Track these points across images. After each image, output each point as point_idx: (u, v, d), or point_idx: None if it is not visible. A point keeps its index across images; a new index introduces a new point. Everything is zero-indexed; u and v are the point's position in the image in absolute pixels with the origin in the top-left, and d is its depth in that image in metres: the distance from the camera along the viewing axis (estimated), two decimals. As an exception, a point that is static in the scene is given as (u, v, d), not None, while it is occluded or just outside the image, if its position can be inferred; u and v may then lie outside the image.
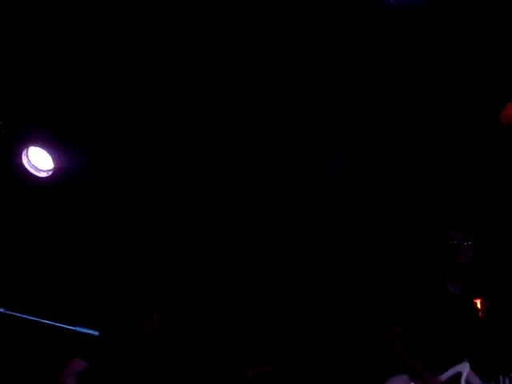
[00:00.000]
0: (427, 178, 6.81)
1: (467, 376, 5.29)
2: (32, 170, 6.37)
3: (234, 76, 5.90)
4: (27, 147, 6.30)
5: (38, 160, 6.35)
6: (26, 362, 6.94)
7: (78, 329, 3.73)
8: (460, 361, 5.34)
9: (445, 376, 5.33)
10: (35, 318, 3.76)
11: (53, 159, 6.33)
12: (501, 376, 5.21)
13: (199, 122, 6.35)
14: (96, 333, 3.78)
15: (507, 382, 5.18)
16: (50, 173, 6.38)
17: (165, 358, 6.71)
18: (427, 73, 5.93)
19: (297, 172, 6.86)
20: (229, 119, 6.32)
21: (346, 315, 7.59)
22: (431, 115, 6.31)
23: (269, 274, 7.64)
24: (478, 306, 6.69)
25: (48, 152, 6.29)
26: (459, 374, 5.27)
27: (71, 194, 6.82)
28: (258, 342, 7.46)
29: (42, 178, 6.40)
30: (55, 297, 7.09)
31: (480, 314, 6.28)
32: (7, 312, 3.72)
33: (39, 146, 6.26)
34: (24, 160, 6.34)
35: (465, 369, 5.29)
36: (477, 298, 6.59)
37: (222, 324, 7.64)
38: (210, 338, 7.62)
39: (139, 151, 6.60)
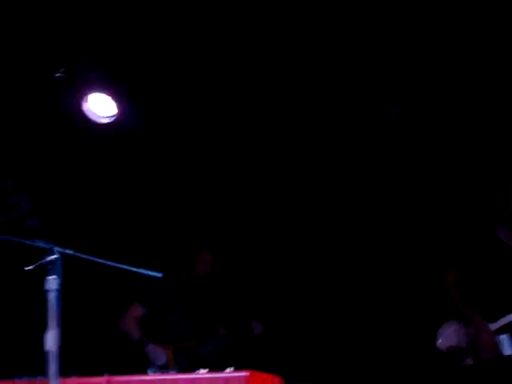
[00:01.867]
0: (484, 129, 6.77)
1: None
2: (93, 117, 6.47)
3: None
4: (88, 94, 6.40)
5: (100, 107, 6.46)
6: (92, 302, 7.14)
7: (141, 271, 3.86)
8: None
9: (497, 324, 5.38)
10: (102, 260, 3.91)
11: (115, 105, 6.44)
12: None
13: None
14: (159, 274, 3.92)
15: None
16: (112, 119, 6.48)
17: (218, 297, 6.85)
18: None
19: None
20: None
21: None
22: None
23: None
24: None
25: (110, 98, 6.39)
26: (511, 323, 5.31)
27: (131, 141, 6.94)
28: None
29: (104, 124, 6.50)
30: (119, 239, 7.24)
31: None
32: (76, 254, 3.87)
33: (101, 93, 6.34)
34: (85, 106, 6.44)
35: None
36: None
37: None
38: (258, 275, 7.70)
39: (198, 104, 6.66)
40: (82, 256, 3.92)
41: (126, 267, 3.90)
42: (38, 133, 6.98)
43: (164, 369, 6.21)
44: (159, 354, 6.44)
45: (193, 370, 4.89)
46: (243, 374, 4.46)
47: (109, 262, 3.87)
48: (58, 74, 6.04)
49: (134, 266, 3.96)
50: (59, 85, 6.10)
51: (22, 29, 5.67)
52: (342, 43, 6.04)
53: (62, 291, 3.80)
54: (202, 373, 4.75)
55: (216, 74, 6.32)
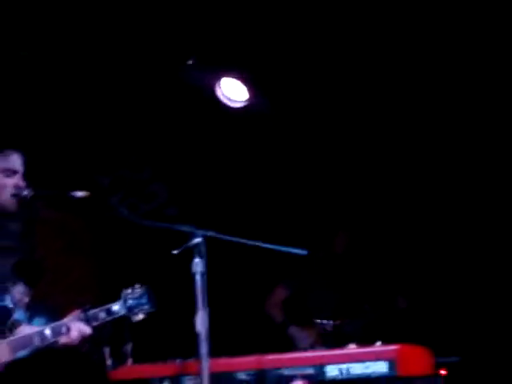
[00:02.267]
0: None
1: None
2: (226, 101, 6.54)
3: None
4: (221, 78, 6.47)
5: (232, 91, 6.52)
6: (232, 283, 7.26)
7: (286, 249, 3.89)
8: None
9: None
10: (245, 241, 3.96)
11: (247, 90, 6.48)
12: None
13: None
14: (304, 252, 3.93)
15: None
16: (245, 103, 6.53)
17: (361, 274, 6.83)
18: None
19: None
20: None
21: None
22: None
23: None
24: None
25: (243, 83, 6.44)
26: None
27: (263, 124, 6.98)
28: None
29: (236, 108, 6.56)
30: (256, 220, 7.31)
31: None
32: (219, 236, 3.94)
33: (234, 77, 6.41)
34: (218, 91, 6.52)
35: None
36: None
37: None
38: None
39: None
40: (226, 238, 3.98)
41: (270, 246, 3.94)
42: (172, 120, 7.13)
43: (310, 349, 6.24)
44: (303, 335, 6.49)
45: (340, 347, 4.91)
46: (393, 347, 4.45)
47: (252, 242, 3.91)
48: (190, 61, 6.13)
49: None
50: (192, 71, 6.19)
51: (155, 18, 5.78)
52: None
53: (208, 273, 3.88)
54: (352, 347, 4.76)
55: (346, 64, 6.29)
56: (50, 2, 5.64)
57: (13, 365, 3.96)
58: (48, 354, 4.12)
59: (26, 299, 5.80)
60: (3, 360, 3.86)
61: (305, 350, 6.17)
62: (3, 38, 5.81)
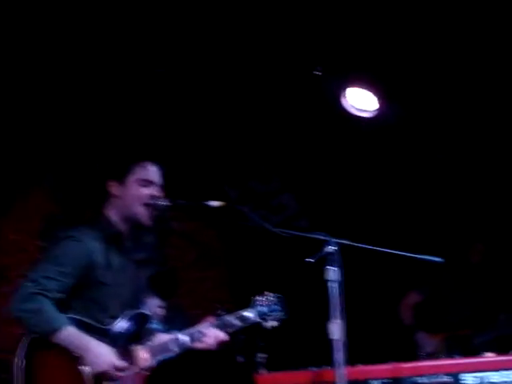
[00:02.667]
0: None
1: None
2: (354, 111, 6.54)
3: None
4: (347, 88, 6.47)
5: (360, 100, 6.50)
6: (367, 291, 7.23)
7: (422, 257, 3.84)
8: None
9: None
10: (380, 249, 3.94)
11: (377, 100, 6.45)
12: None
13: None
14: (440, 260, 3.88)
15: None
16: (374, 113, 6.51)
17: (497, 284, 6.68)
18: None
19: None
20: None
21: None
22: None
23: None
24: None
25: (372, 92, 6.42)
26: None
27: (392, 133, 6.94)
28: None
29: (365, 118, 6.55)
30: (389, 228, 7.27)
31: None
32: (354, 244, 3.93)
33: (361, 87, 6.40)
34: (345, 101, 6.52)
35: None
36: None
37: None
38: None
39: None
40: (360, 246, 3.97)
41: (405, 254, 3.90)
42: (300, 131, 7.18)
43: (432, 356, 6.17)
44: (428, 341, 6.44)
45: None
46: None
47: (388, 250, 3.89)
48: (317, 71, 6.16)
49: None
50: (318, 81, 6.23)
51: (283, 28, 5.86)
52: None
53: (343, 281, 3.88)
54: (489, 356, 4.65)
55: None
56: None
57: (160, 367, 4.07)
58: (193, 356, 4.22)
59: (162, 312, 5.96)
60: (145, 365, 3.97)
61: (427, 356, 6.12)
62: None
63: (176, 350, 4.05)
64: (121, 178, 4.03)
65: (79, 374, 3.75)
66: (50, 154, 7.03)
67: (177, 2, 5.70)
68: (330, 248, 3.88)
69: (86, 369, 3.75)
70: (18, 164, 7.01)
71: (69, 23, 5.77)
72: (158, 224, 4.18)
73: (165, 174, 4.15)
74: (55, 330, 3.73)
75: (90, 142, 6.93)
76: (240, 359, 6.09)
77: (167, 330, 4.25)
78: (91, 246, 3.93)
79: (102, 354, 3.79)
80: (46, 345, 3.77)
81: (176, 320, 5.64)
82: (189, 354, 4.16)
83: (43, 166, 7.06)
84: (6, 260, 7.02)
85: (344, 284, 3.89)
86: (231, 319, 4.17)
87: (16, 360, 3.79)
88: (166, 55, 6.15)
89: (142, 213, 4.03)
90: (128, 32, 5.88)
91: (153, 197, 4.03)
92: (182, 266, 7.16)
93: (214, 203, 4.10)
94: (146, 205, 4.02)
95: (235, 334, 4.27)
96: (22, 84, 6.36)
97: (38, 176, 7.08)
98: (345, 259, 3.93)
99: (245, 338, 5.54)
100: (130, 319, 4.01)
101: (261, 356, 5.62)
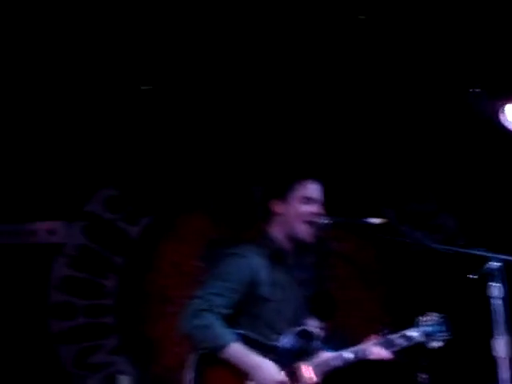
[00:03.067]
0: None
1: None
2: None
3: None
4: (506, 104, 6.37)
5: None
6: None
7: None
8: None
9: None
10: None
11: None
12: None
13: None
14: None
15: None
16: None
17: None
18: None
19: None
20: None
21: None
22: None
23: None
24: None
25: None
26: None
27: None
28: None
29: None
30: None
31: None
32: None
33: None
34: (503, 117, 6.42)
35: None
36: None
37: None
38: None
39: None
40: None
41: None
42: (456, 150, 7.11)
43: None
44: None
45: None
46: None
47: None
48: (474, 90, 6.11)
49: None
50: (476, 97, 6.17)
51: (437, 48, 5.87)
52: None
53: (507, 297, 3.81)
54: None
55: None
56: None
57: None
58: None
59: (321, 332, 6.00)
60: (310, 382, 4.02)
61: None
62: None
63: (340, 366, 4.10)
64: (283, 196, 4.12)
65: (246, 389, 3.85)
66: (212, 179, 7.28)
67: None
68: (494, 264, 3.83)
69: (252, 387, 3.85)
70: (179, 188, 7.29)
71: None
72: (318, 244, 4.24)
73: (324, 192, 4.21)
74: (223, 346, 3.85)
75: (248, 165, 7.12)
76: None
77: (330, 350, 4.29)
78: (255, 262, 4.03)
79: (268, 371, 3.88)
80: (214, 360, 3.89)
81: (335, 341, 5.66)
82: (356, 367, 4.19)
83: (205, 191, 7.30)
84: (165, 281, 7.29)
85: (508, 300, 3.83)
86: (395, 338, 4.18)
87: (186, 376, 3.93)
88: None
89: (304, 230, 4.10)
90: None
91: (314, 214, 4.09)
92: (341, 286, 7.18)
93: (375, 220, 4.13)
94: (308, 222, 4.09)
95: (399, 354, 4.27)
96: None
97: (199, 200, 7.32)
98: (509, 275, 3.87)
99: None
100: (295, 336, 4.09)
101: (422, 376, 5.56)
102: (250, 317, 4.01)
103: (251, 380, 3.86)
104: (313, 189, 4.15)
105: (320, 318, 6.00)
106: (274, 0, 5.75)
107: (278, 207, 4.14)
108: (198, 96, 6.85)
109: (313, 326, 5.65)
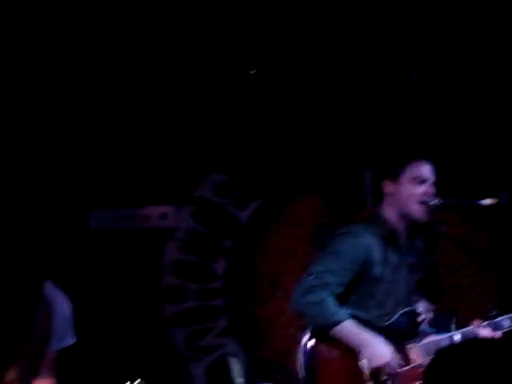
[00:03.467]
0: None
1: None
2: None
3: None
4: None
5: None
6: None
7: None
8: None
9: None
10: None
11: None
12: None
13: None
14: None
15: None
16: None
17: None
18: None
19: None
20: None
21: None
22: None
23: None
24: None
25: None
26: None
27: None
28: None
29: None
30: None
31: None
32: None
33: None
34: None
35: None
36: None
37: None
38: None
39: None
40: None
41: None
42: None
43: None
44: None
45: None
46: None
47: None
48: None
49: None
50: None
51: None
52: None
53: None
54: None
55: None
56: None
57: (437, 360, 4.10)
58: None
59: (430, 315, 5.96)
60: (419, 362, 4.01)
61: None
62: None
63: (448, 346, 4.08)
64: (395, 176, 4.11)
65: (358, 367, 3.86)
66: (321, 162, 7.30)
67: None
68: None
69: (365, 363, 3.86)
70: (288, 172, 7.34)
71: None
72: (426, 228, 4.21)
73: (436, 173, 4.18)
74: (335, 324, 3.87)
75: (357, 148, 7.11)
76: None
77: (437, 332, 4.26)
78: (368, 241, 4.03)
79: (380, 350, 3.88)
80: (325, 338, 3.92)
81: (444, 323, 5.62)
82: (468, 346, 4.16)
83: (314, 175, 7.33)
84: (276, 265, 7.36)
85: None
86: (503, 320, 4.12)
87: (298, 353, 3.97)
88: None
89: (417, 210, 4.07)
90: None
91: (427, 194, 4.07)
92: (451, 271, 7.11)
93: (487, 201, 4.07)
94: (421, 202, 4.06)
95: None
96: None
97: (308, 184, 7.36)
98: None
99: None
100: (404, 317, 4.08)
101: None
102: (360, 296, 4.01)
103: (362, 358, 3.87)
104: (425, 169, 4.11)
105: (429, 300, 5.97)
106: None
107: (390, 188, 4.12)
108: (306, 81, 6.88)
109: (422, 307, 5.64)
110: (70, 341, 4.04)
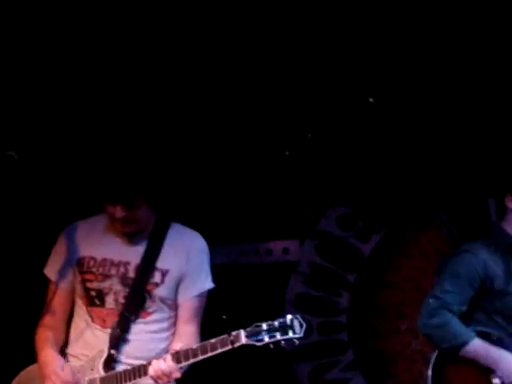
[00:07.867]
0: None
1: None
2: None
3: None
4: None
5: None
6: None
7: None
8: None
9: None
10: None
11: None
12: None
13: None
14: None
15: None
16: None
17: None
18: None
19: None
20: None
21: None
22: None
23: None
24: None
25: None
26: None
27: None
28: None
29: None
30: None
31: None
32: None
33: None
34: None
35: None
36: None
37: None
38: None
39: None
40: None
41: None
42: None
43: None
44: None
45: None
46: None
47: None
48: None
49: None
50: None
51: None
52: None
53: None
54: None
55: None
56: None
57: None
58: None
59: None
60: None
61: None
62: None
63: None
64: None
65: (491, 386, 3.79)
66: (441, 190, 7.22)
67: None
68: None
69: (497, 381, 3.79)
70: (409, 203, 7.29)
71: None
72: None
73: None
74: (462, 344, 3.84)
75: (481, 174, 7.00)
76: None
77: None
78: (485, 257, 4.04)
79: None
80: (453, 359, 3.87)
81: None
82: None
83: (435, 204, 7.25)
84: (400, 297, 7.27)
85: None
86: None
87: (425, 376, 3.94)
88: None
89: None
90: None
91: None
92: None
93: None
94: None
95: None
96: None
97: (430, 214, 7.28)
98: None
99: None
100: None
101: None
102: (487, 313, 3.97)
103: (496, 376, 3.80)
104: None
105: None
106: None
107: (513, 203, 4.08)
108: (430, 110, 6.86)
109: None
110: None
